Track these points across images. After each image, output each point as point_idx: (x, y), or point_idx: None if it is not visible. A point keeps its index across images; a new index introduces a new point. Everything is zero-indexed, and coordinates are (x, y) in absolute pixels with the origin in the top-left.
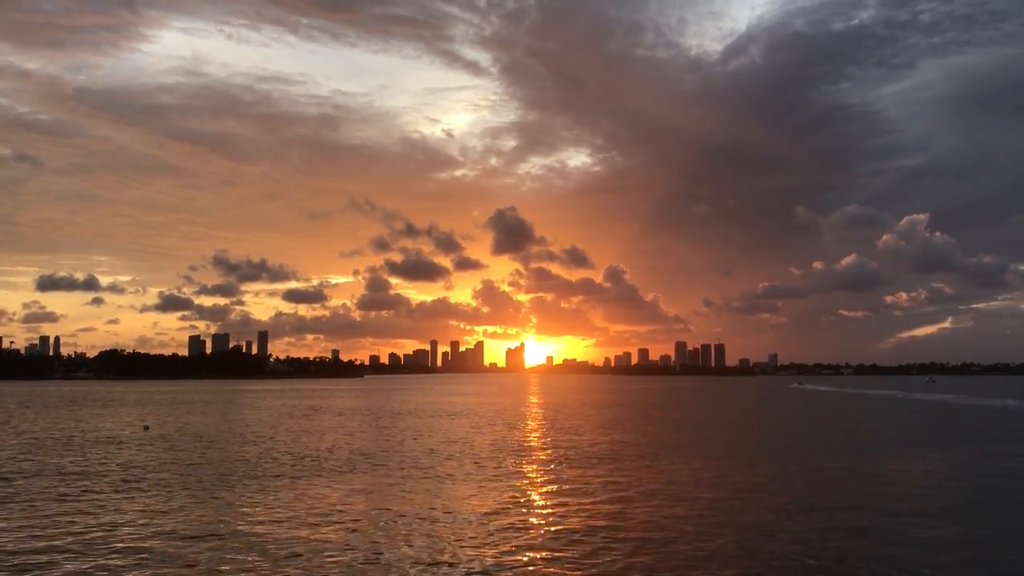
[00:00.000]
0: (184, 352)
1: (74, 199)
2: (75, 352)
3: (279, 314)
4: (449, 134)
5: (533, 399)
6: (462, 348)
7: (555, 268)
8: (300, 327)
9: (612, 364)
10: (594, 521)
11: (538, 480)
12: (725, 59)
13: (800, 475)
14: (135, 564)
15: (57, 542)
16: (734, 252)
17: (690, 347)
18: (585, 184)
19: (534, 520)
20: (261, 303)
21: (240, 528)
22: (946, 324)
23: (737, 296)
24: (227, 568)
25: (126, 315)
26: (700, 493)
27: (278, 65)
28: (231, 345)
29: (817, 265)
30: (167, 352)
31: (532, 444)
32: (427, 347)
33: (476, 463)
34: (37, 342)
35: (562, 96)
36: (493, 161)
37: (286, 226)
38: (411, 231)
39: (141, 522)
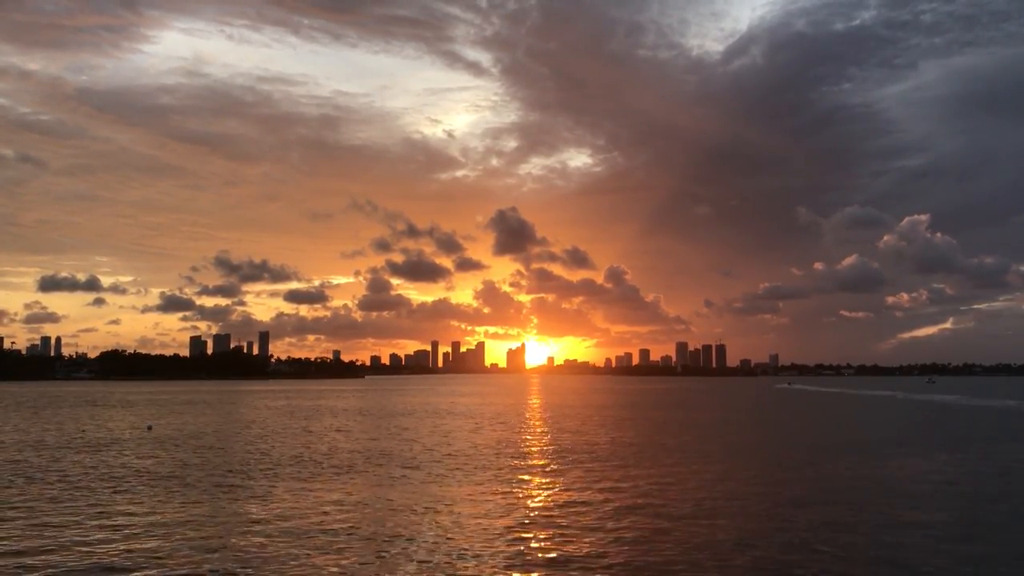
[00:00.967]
0: (185, 353)
1: (75, 200)
2: (76, 352)
3: (280, 315)
4: (450, 135)
5: (534, 400)
6: (463, 349)
7: (556, 269)
8: (301, 328)
9: (613, 365)
10: (592, 521)
11: (537, 480)
12: (726, 59)
13: (795, 475)
14: (135, 564)
15: (58, 543)
16: (735, 253)
17: (691, 348)
18: (586, 185)
19: (533, 519)
20: (262, 304)
21: (241, 528)
22: (947, 325)
23: (738, 297)
24: (227, 568)
25: (127, 315)
26: (697, 494)
27: (279, 66)
28: (232, 346)
29: (818, 266)
30: (168, 353)
31: (531, 444)
32: (428, 348)
33: (476, 463)
34: (38, 342)
35: (563, 96)
36: (494, 162)
37: (287, 227)
38: (412, 232)
39: (143, 523)
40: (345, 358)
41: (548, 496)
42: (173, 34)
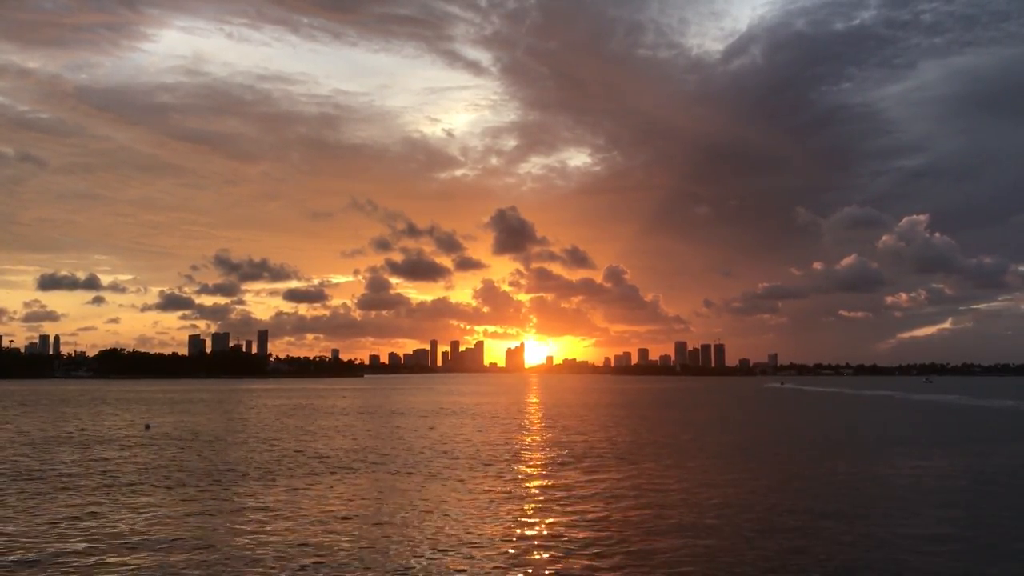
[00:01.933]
0: (184, 351)
1: (75, 198)
2: (75, 351)
3: (279, 313)
4: (450, 134)
5: (532, 399)
6: (462, 348)
7: (555, 268)
8: (300, 327)
9: (612, 364)
10: (590, 520)
11: (535, 479)
12: (726, 59)
13: (785, 475)
14: (135, 564)
15: (55, 542)
16: (734, 253)
17: (690, 347)
18: (586, 184)
19: (532, 519)
20: (262, 302)
21: (240, 528)
22: (946, 325)
23: (737, 296)
24: (226, 569)
25: (127, 314)
26: (694, 493)
27: (279, 64)
28: (231, 344)
29: (817, 266)
30: (167, 351)
31: (529, 444)
32: (427, 347)
33: (474, 462)
34: (37, 341)
35: (563, 96)
36: (494, 161)
37: (287, 226)
38: (412, 231)
39: (142, 522)
40: (344, 357)
41: (545, 494)
42: (172, 33)
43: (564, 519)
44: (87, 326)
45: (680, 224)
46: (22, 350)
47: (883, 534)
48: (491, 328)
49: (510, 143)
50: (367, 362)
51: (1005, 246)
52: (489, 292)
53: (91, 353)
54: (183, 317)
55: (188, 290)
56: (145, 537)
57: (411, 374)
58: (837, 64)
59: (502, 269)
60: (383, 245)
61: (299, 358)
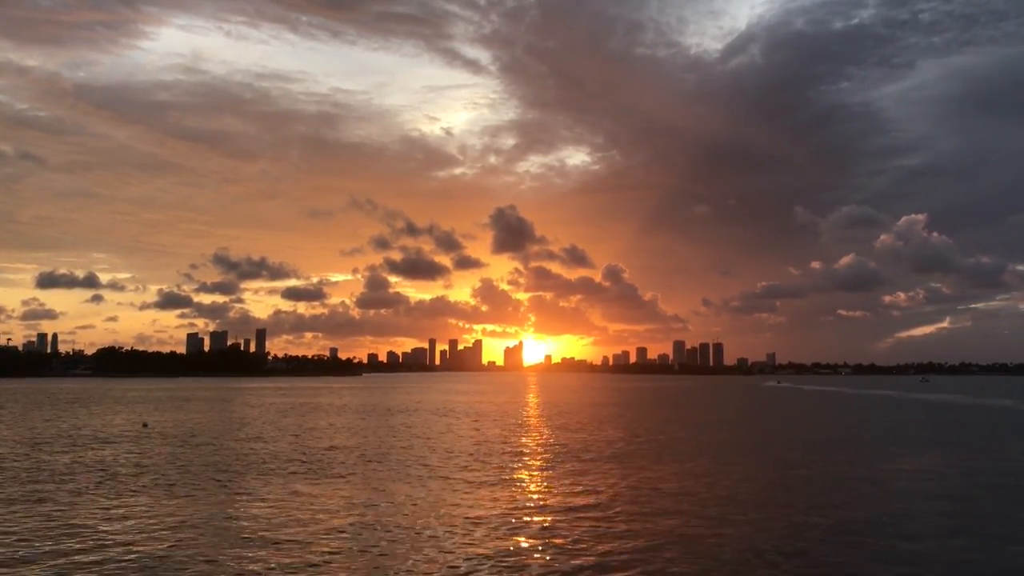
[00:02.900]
0: (182, 350)
1: (73, 196)
2: (73, 350)
3: (278, 312)
4: (448, 132)
5: (530, 398)
6: (460, 347)
7: (554, 267)
8: (299, 325)
9: (610, 363)
10: (587, 518)
11: (532, 478)
12: (725, 58)
13: (769, 473)
14: (131, 564)
15: (51, 542)
16: (733, 252)
17: (688, 346)
18: (585, 183)
19: (530, 518)
20: (260, 301)
21: (238, 526)
22: (944, 324)
23: (736, 296)
24: (224, 568)
25: (125, 313)
26: (693, 491)
27: (277, 63)
28: (229, 343)
29: (815, 265)
30: (165, 350)
31: (527, 442)
32: (426, 345)
33: (471, 460)
34: (35, 339)
35: (562, 95)
36: (492, 160)
37: (286, 224)
38: (411, 230)
39: (139, 521)
40: (342, 356)
41: (544, 493)
42: (171, 31)
43: (561, 516)
44: (85, 324)
45: (679, 223)
46: (20, 348)
47: (880, 532)
48: (489, 327)
49: (509, 142)
50: (365, 361)
51: (1003, 245)
52: (488, 291)
53: (89, 351)
54: (181, 316)
55: (187, 288)
56: (140, 537)
57: (409, 372)
58: (836, 63)
59: (501, 268)
60: (382, 244)
61: (297, 357)
